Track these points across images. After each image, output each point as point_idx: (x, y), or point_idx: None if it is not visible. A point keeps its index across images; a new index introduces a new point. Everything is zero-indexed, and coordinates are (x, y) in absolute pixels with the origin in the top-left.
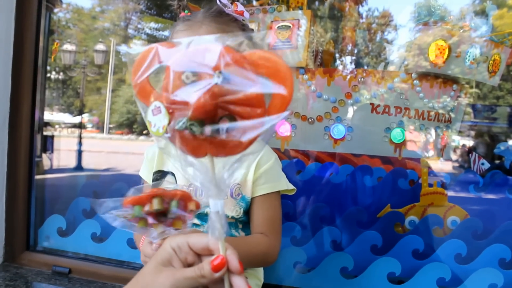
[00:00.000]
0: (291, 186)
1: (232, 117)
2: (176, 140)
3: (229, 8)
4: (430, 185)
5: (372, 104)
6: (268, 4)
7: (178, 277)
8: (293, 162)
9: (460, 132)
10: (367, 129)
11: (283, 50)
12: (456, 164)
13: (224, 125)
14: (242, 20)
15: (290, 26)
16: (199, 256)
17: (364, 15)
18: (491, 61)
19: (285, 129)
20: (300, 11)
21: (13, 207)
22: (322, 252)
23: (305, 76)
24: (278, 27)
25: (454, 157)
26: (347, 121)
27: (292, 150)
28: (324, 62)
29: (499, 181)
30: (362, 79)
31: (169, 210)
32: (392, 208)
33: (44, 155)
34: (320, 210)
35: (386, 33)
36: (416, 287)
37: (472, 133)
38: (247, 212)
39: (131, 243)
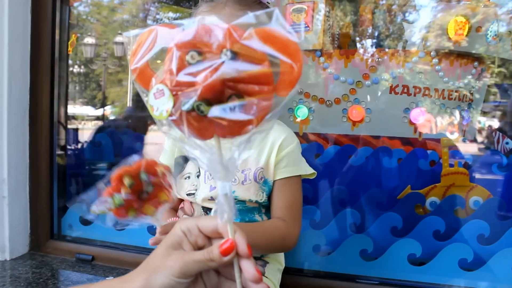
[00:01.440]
0: (311, 170)
1: (240, 96)
2: (182, 123)
3: None
4: (451, 165)
5: (390, 84)
6: None
7: (187, 260)
8: (311, 145)
9: (483, 112)
10: (386, 110)
11: (298, 33)
12: (479, 144)
13: (232, 104)
14: (267, 3)
15: (305, 8)
16: (209, 239)
17: None
18: None
19: (303, 113)
20: None
21: (36, 197)
22: (341, 235)
23: (322, 59)
24: (293, 9)
25: (477, 136)
26: (365, 102)
27: (310, 133)
28: (341, 44)
29: None
30: (380, 59)
31: (142, 181)
32: (413, 189)
33: (69, 147)
34: (340, 193)
35: (406, 13)
36: (437, 268)
37: (497, 112)
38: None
39: (151, 230)
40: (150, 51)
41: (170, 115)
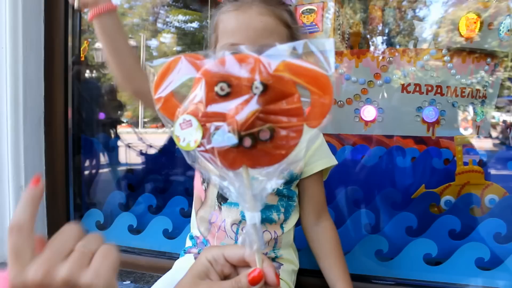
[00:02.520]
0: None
1: (271, 128)
2: (210, 154)
3: None
4: (466, 164)
5: (402, 83)
6: None
7: None
8: None
9: (498, 108)
10: (398, 109)
11: (309, 34)
12: (494, 141)
13: (264, 136)
14: (289, 5)
15: (314, 9)
16: (235, 268)
17: None
18: None
19: None
20: None
21: (53, 203)
22: (356, 235)
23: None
24: (303, 11)
25: (491, 133)
26: (377, 102)
27: (323, 134)
28: (352, 43)
29: None
30: (391, 58)
31: None
32: (427, 188)
33: (93, 148)
34: (354, 193)
35: (416, 10)
36: (453, 267)
37: None
38: (286, 183)
39: (167, 234)
40: (176, 81)
41: (199, 146)
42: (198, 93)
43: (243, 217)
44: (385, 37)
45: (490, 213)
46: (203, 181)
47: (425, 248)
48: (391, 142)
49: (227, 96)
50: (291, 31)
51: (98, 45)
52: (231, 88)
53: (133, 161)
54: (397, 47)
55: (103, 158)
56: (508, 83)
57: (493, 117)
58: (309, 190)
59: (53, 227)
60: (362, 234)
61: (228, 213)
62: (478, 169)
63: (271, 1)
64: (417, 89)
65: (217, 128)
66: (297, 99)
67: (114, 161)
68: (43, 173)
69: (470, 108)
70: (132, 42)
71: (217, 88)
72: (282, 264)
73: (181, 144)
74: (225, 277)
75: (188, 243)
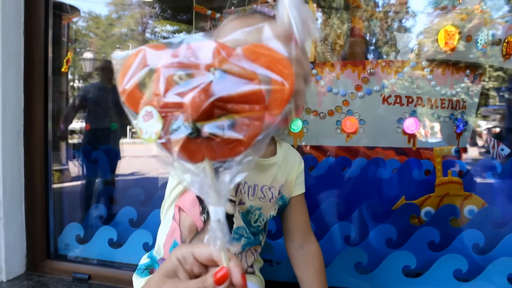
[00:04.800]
0: None
1: (230, 116)
2: (170, 146)
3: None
4: (445, 175)
5: (383, 95)
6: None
7: None
8: (306, 158)
9: (477, 119)
10: (379, 121)
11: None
12: (474, 152)
13: (222, 124)
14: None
15: None
16: (206, 267)
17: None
18: (505, 44)
19: (297, 126)
20: None
21: (32, 217)
22: (336, 248)
23: (314, 71)
24: None
25: (471, 144)
26: (358, 114)
27: (305, 146)
28: (335, 55)
29: None
30: (371, 70)
31: None
32: (407, 199)
33: (70, 163)
34: (334, 205)
35: (396, 22)
36: (432, 279)
37: (492, 119)
38: (279, 210)
39: (147, 247)
40: (139, 73)
41: (159, 137)
42: (158, 83)
43: (243, 248)
44: (367, 49)
45: (469, 224)
46: (203, 211)
47: (404, 260)
48: (372, 153)
49: (185, 85)
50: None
51: (86, 55)
52: (189, 77)
53: (115, 173)
54: (380, 58)
55: (84, 171)
56: (488, 96)
57: (473, 129)
58: (296, 210)
59: (32, 241)
60: (342, 246)
61: (230, 247)
62: (457, 180)
63: (269, 15)
64: (398, 100)
65: (173, 119)
66: (257, 85)
67: (95, 173)
68: (22, 186)
69: (450, 120)
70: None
71: (175, 78)
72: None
73: (144, 136)
74: (195, 277)
75: (145, 260)
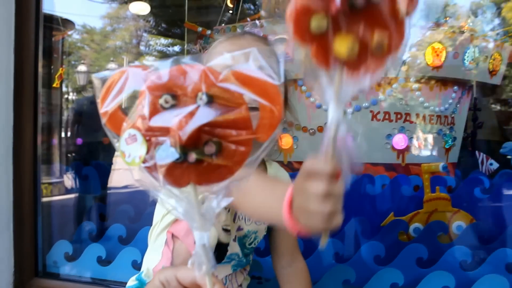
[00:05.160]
0: None
1: (218, 141)
2: (155, 170)
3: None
4: (433, 191)
5: (372, 111)
6: (259, 19)
7: None
8: (296, 174)
9: (466, 133)
10: (369, 137)
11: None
12: (462, 167)
13: (209, 150)
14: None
15: (285, 39)
16: None
17: None
18: (491, 60)
19: (287, 142)
20: None
21: (20, 234)
22: (324, 265)
23: (304, 87)
24: (275, 40)
25: (460, 159)
26: (348, 130)
27: (295, 162)
28: None
29: (508, 182)
30: None
31: None
32: (396, 216)
33: (65, 177)
34: None
35: None
36: None
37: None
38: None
39: (136, 264)
40: (121, 94)
41: (144, 161)
42: (143, 106)
43: (234, 269)
44: None
45: (457, 240)
46: None
47: (392, 277)
48: (361, 169)
49: (172, 109)
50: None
51: (80, 68)
52: (176, 100)
53: (105, 190)
54: None
55: (75, 187)
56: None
57: (462, 143)
58: (284, 229)
59: (19, 259)
60: (329, 263)
61: (221, 270)
62: (445, 196)
63: (258, 36)
64: (387, 116)
65: (160, 143)
66: (245, 110)
67: (85, 190)
68: (10, 203)
69: (439, 135)
70: (114, 66)
71: (161, 101)
72: None
73: (127, 160)
74: None
75: (133, 282)
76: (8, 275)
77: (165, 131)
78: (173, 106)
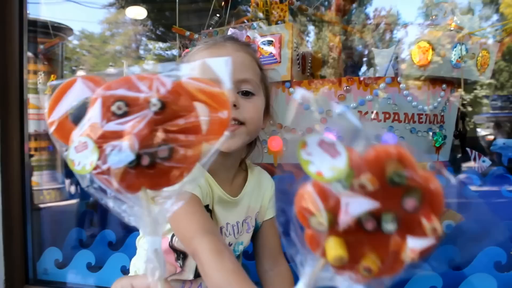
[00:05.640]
0: None
1: (169, 145)
2: (108, 176)
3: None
4: None
5: (360, 111)
6: (251, 21)
7: None
8: (286, 176)
9: (456, 131)
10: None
11: (267, 65)
12: (454, 165)
13: (162, 154)
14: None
15: (272, 41)
16: None
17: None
18: (479, 57)
19: (277, 144)
20: (281, 25)
21: (10, 243)
22: None
23: (291, 89)
24: (262, 42)
25: (451, 157)
26: (336, 131)
27: (285, 164)
28: (314, 70)
29: (500, 179)
30: (347, 87)
31: (404, 199)
32: None
33: (66, 181)
34: None
35: (372, 38)
36: None
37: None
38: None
39: (125, 270)
40: (71, 103)
41: (95, 168)
42: (95, 113)
43: None
44: (345, 65)
45: (446, 239)
46: (177, 258)
47: None
48: None
49: (124, 115)
50: (262, 72)
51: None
52: (128, 107)
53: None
54: (356, 75)
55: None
56: (467, 107)
57: (453, 141)
58: (267, 233)
59: (10, 267)
60: None
61: None
62: None
63: (241, 41)
64: (375, 117)
65: (113, 148)
66: (195, 116)
67: (75, 196)
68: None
69: (429, 134)
70: (112, 70)
71: (113, 108)
72: None
73: (76, 168)
74: None
75: None
76: None
77: (118, 136)
78: (125, 113)
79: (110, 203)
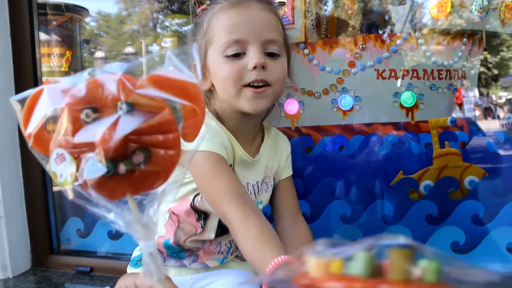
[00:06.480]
0: None
1: (145, 148)
2: (89, 187)
3: None
4: (442, 146)
5: (377, 69)
6: None
7: None
8: (303, 138)
9: (479, 87)
10: (375, 97)
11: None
12: (476, 122)
13: (138, 159)
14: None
15: (284, 3)
16: None
17: None
18: (502, 8)
19: (293, 107)
20: None
21: (33, 214)
22: (331, 228)
23: (306, 51)
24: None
25: (473, 114)
26: (354, 91)
27: (302, 127)
28: (329, 32)
29: None
30: (363, 45)
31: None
32: (405, 174)
33: None
34: (330, 185)
35: None
36: None
37: (496, 86)
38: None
39: None
40: (43, 114)
41: (76, 179)
42: (65, 123)
43: None
44: (357, 24)
45: (469, 195)
46: (199, 219)
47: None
48: (370, 130)
49: (94, 122)
50: (284, 32)
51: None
52: (97, 113)
53: None
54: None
55: None
56: (491, 61)
57: (476, 97)
58: (285, 192)
59: (35, 238)
60: (337, 225)
61: (225, 239)
62: (455, 151)
63: (265, 2)
64: (393, 74)
65: (88, 159)
66: (168, 114)
67: None
68: (21, 184)
69: (449, 90)
70: (131, 49)
71: (82, 116)
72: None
73: (59, 180)
74: None
75: (138, 252)
76: (25, 254)
77: (91, 146)
78: (95, 120)
79: (98, 212)
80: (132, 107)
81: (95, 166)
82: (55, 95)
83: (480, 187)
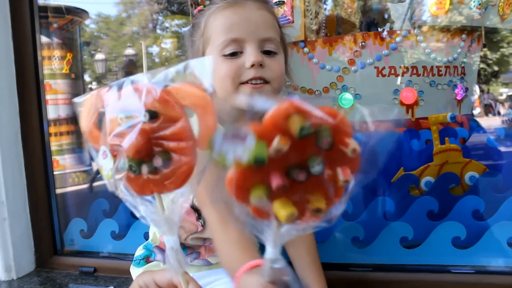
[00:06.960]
0: None
1: (166, 153)
2: (122, 182)
3: None
4: (443, 142)
5: (376, 67)
6: None
7: None
8: None
9: (479, 83)
10: (375, 94)
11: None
12: (476, 118)
13: (157, 163)
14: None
15: (284, 2)
16: None
17: None
18: (501, 3)
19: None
20: None
21: (37, 216)
22: (333, 225)
23: (306, 49)
24: (274, 3)
25: (473, 110)
26: (354, 88)
27: None
28: (329, 31)
29: None
30: (363, 43)
31: (318, 141)
32: (406, 171)
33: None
34: None
35: None
36: (430, 249)
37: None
38: None
39: (147, 236)
40: (94, 115)
41: (114, 175)
42: (105, 125)
43: None
44: (361, 22)
45: (470, 190)
46: (198, 218)
47: (401, 232)
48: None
49: (122, 127)
50: (281, 31)
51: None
52: (127, 118)
53: None
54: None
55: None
56: (490, 58)
57: (475, 94)
58: None
59: (38, 239)
60: (339, 221)
61: None
62: (455, 147)
63: (262, 1)
64: (393, 71)
65: (120, 158)
66: (185, 121)
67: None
68: (24, 186)
69: (449, 87)
70: (131, 51)
71: (118, 119)
72: None
73: (104, 173)
74: None
75: (141, 251)
76: (29, 255)
77: (121, 147)
78: (126, 124)
79: (133, 206)
80: (155, 115)
81: (124, 165)
82: (104, 99)
83: (480, 183)
